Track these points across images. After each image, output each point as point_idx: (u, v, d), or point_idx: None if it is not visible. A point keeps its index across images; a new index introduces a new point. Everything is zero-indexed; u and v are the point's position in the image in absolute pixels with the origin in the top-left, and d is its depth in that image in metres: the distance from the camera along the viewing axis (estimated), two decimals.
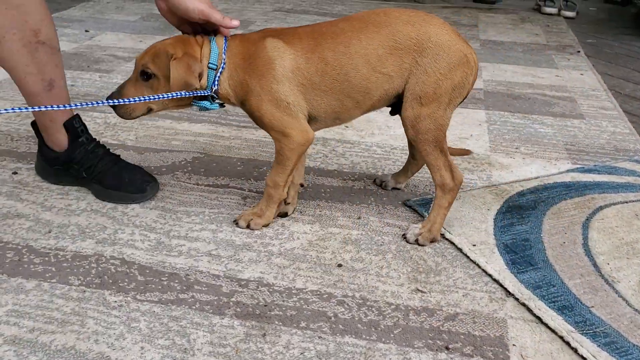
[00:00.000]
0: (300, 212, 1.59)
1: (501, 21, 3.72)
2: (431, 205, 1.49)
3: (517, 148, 2.00)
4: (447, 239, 1.49)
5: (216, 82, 1.38)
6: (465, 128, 2.15)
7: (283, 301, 1.26)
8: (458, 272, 1.37)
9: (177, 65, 1.32)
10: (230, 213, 1.58)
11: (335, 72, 1.36)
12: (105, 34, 3.20)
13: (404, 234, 1.49)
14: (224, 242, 1.46)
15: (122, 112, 1.40)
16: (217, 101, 1.42)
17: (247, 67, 1.37)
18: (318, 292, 1.29)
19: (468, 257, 1.42)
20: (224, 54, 1.38)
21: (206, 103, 1.40)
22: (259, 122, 1.42)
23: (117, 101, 1.34)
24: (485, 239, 1.48)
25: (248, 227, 1.51)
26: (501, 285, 1.32)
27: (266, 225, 1.52)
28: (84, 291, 1.27)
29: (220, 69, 1.38)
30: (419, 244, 1.46)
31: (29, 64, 1.53)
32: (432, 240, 1.46)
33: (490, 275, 1.35)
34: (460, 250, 1.44)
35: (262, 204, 1.51)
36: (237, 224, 1.52)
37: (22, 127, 2.04)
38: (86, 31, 3.25)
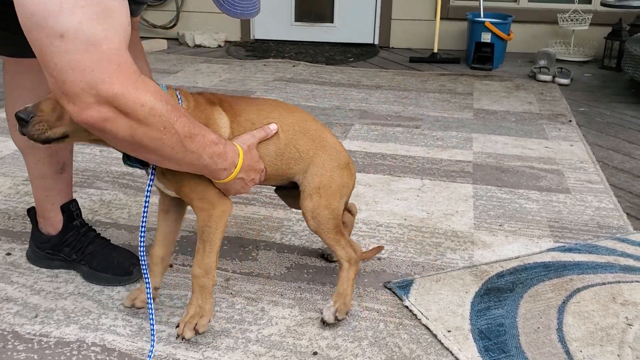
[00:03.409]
0: (281, 295, 1.63)
1: (496, 89, 3.81)
2: (338, 279, 1.51)
3: (501, 225, 2.03)
4: (423, 325, 1.51)
5: None
6: (452, 204, 2.19)
7: None
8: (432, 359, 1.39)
9: None
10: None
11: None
12: None
13: (322, 319, 1.49)
14: None
15: (34, 130, 1.18)
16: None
17: None
18: None
19: (442, 343, 1.44)
20: None
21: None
22: (188, 191, 1.33)
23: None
24: (460, 324, 1.50)
25: (197, 333, 1.37)
26: None
27: (209, 321, 1.40)
28: None
29: None
30: (338, 320, 1.48)
31: (50, 146, 1.62)
32: (347, 312, 1.50)
33: None
34: (435, 336, 1.47)
35: (198, 300, 1.38)
36: (183, 337, 1.36)
37: (20, 205, 2.12)
38: None
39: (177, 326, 1.38)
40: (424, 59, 4.53)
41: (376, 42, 5.02)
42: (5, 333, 1.46)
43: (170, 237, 1.49)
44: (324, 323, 1.49)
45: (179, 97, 1.31)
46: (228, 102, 1.41)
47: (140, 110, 1.08)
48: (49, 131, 1.18)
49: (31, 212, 1.75)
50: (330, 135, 1.51)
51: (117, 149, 1.21)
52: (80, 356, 1.38)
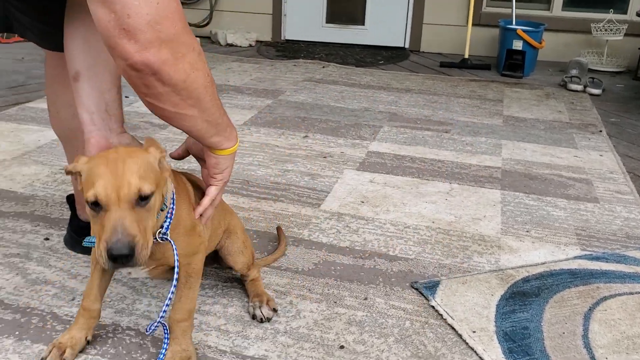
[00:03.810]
0: (309, 290, 1.66)
1: (526, 97, 3.80)
2: (253, 287, 1.60)
3: (527, 231, 2.04)
4: (449, 324, 1.53)
5: (168, 223, 1.23)
6: (480, 209, 2.20)
7: None
8: (456, 358, 1.41)
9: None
10: (241, 288, 1.66)
11: None
12: None
13: (260, 319, 1.51)
14: (233, 317, 1.53)
15: (142, 257, 1.09)
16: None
17: (178, 200, 1.29)
18: None
19: (467, 343, 1.46)
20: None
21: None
22: (175, 254, 1.26)
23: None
24: (485, 326, 1.52)
25: None
26: None
27: None
28: None
29: (172, 208, 1.25)
30: (276, 311, 1.55)
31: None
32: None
33: None
34: (460, 336, 1.49)
35: (181, 345, 1.33)
36: None
37: (57, 193, 2.18)
38: (126, 97, 3.45)
39: None
40: (455, 64, 4.54)
41: (407, 46, 5.04)
42: (45, 313, 1.52)
43: (104, 290, 1.40)
44: (266, 320, 1.51)
45: None
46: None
47: (192, 53, 1.07)
48: (149, 248, 1.10)
49: (70, 199, 1.81)
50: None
51: (154, 111, 1.16)
52: (115, 339, 1.44)
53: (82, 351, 1.38)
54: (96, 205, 1.08)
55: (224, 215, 1.55)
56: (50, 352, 1.34)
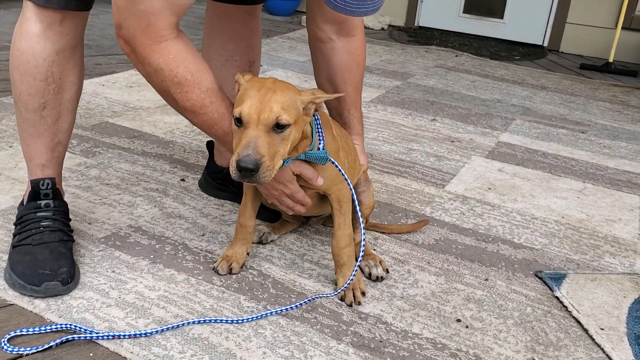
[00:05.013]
0: (428, 263, 1.64)
1: None
2: (356, 249, 1.54)
3: None
4: (574, 317, 1.46)
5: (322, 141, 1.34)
6: (615, 211, 2.07)
7: (398, 341, 1.32)
8: (580, 352, 1.34)
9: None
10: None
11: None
12: (276, 70, 3.50)
13: (376, 277, 1.52)
14: None
15: (263, 177, 1.17)
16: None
17: (325, 128, 1.38)
18: (433, 341, 1.33)
19: (593, 339, 1.38)
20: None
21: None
22: (331, 185, 1.40)
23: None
24: (615, 325, 1.43)
25: (358, 304, 1.42)
26: None
27: None
28: (224, 292, 1.42)
29: (320, 132, 1.35)
30: (388, 272, 1.56)
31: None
32: None
33: None
34: (586, 331, 1.41)
35: (347, 272, 1.43)
36: (359, 303, 1.42)
37: (194, 142, 2.30)
38: (260, 65, 3.57)
39: (342, 299, 1.42)
40: (597, 68, 4.27)
41: (545, 44, 4.82)
42: (177, 244, 1.61)
43: (257, 209, 1.52)
44: (379, 279, 1.52)
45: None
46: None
47: (145, 67, 1.23)
48: (275, 169, 1.19)
49: (209, 145, 1.90)
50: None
51: None
52: (239, 275, 1.50)
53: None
54: (239, 121, 1.20)
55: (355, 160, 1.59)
56: (220, 263, 1.50)
